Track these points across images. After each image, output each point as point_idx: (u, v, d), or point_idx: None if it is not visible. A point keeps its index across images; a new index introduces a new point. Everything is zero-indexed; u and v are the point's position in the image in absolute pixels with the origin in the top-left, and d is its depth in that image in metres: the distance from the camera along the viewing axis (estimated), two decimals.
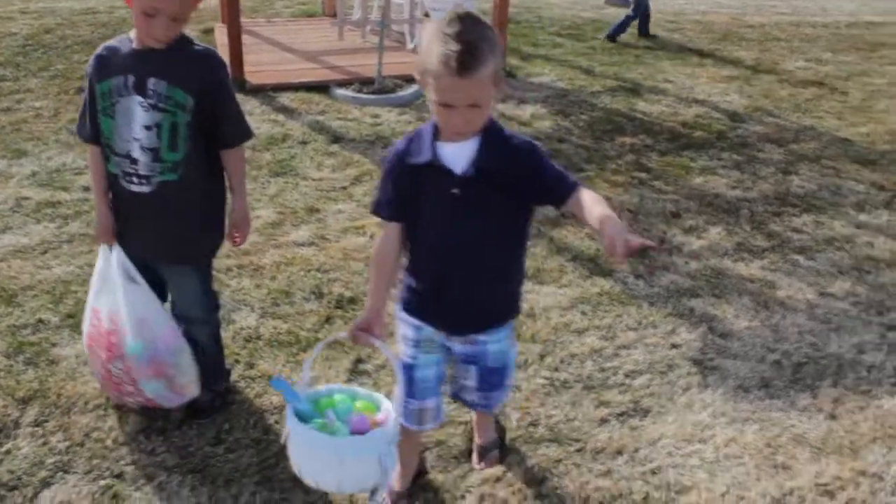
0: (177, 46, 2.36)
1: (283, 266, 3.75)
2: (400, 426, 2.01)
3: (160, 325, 2.55)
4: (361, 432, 1.92)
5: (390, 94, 6.28)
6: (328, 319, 3.35)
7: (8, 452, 2.60)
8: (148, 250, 2.55)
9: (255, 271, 3.70)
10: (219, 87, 2.43)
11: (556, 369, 3.12)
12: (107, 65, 2.38)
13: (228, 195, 2.60)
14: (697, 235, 4.25)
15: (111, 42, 2.43)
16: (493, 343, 2.18)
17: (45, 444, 2.64)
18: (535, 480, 2.58)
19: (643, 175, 5.02)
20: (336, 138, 5.40)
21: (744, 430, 2.84)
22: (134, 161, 2.39)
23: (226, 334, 3.05)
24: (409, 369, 2.19)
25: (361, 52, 7.13)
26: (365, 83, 6.44)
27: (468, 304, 2.10)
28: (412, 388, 2.19)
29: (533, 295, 3.56)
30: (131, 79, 2.34)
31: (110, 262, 2.52)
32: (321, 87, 6.40)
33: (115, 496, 2.45)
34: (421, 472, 2.51)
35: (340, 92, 6.31)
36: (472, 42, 1.78)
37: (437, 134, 1.96)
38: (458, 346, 2.19)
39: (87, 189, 4.37)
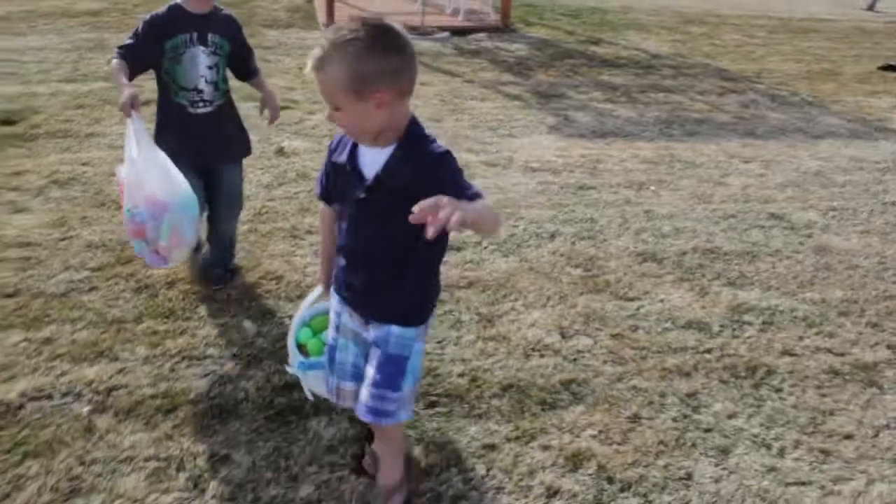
0: (215, 11, 3.32)
1: None
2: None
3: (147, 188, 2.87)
4: None
5: (428, 35, 9.59)
6: None
7: None
8: (209, 157, 3.39)
9: None
10: (243, 37, 3.48)
11: None
12: (171, 26, 3.21)
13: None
14: (586, 95, 7.38)
15: (162, 11, 3.24)
16: (397, 327, 2.14)
17: None
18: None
19: (570, 73, 8.18)
20: None
21: None
22: (200, 91, 3.30)
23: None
24: (330, 349, 2.29)
25: (414, 14, 10.46)
26: (412, 28, 9.77)
27: (368, 299, 2.16)
28: (332, 366, 2.28)
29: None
30: (195, 35, 3.23)
31: (128, 135, 2.93)
32: None
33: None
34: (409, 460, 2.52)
35: None
36: (330, 44, 1.84)
37: None
38: (371, 332, 2.19)
39: None
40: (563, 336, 3.38)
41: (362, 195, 2.00)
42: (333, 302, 2.27)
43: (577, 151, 5.76)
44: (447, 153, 1.96)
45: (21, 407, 2.79)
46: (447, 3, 10.98)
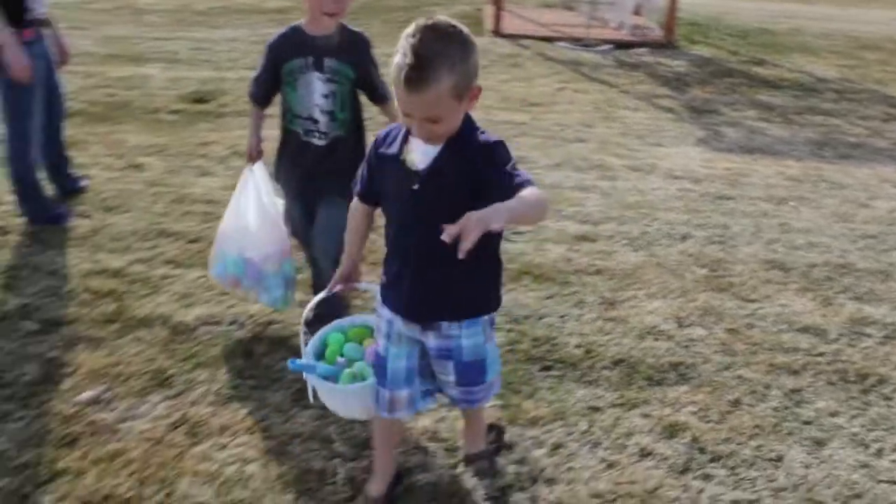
0: (339, 33, 2.99)
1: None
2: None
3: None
4: None
5: (590, 47, 9.83)
6: None
7: None
8: (319, 190, 3.08)
9: None
10: (372, 62, 3.07)
11: None
12: (289, 49, 2.98)
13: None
14: (740, 112, 7.41)
15: (283, 32, 3.04)
16: (466, 338, 2.14)
17: None
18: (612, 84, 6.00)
19: (727, 91, 8.21)
20: (549, 59, 9.04)
21: None
22: (315, 121, 3.01)
23: None
24: (380, 359, 2.22)
25: (578, 26, 10.71)
26: (576, 40, 10.04)
27: (431, 297, 2.10)
28: (384, 378, 2.20)
29: None
30: (311, 59, 2.95)
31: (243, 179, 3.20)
32: (548, 39, 10.09)
33: None
34: (399, 477, 2.47)
35: (560, 43, 9.97)
36: (424, 57, 1.76)
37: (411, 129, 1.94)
38: (431, 341, 2.15)
39: None
40: (679, 325, 3.57)
41: (416, 186, 1.97)
42: (384, 312, 2.20)
43: (721, 164, 5.86)
44: (500, 142, 1.96)
45: (195, 329, 3.33)
46: (612, 18, 11.17)
